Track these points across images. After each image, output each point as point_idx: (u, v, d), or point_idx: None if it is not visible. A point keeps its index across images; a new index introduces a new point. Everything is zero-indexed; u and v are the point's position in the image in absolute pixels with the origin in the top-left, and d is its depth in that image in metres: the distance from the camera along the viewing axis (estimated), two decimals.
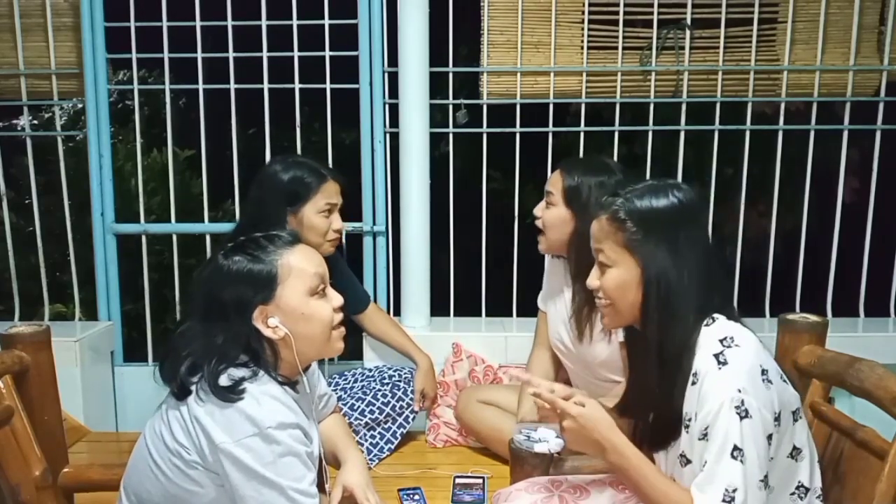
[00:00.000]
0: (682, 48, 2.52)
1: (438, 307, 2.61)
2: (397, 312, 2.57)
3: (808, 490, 1.15)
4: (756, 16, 2.50)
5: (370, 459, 2.17)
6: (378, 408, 2.20)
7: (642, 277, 1.21)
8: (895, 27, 2.50)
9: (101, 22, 2.50)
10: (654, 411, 1.25)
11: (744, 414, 1.08)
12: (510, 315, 2.66)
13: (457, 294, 2.66)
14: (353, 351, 2.54)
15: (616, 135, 2.58)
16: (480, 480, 2.01)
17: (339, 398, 2.25)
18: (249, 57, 2.54)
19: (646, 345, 1.25)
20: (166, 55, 2.56)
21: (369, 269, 2.59)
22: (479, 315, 2.65)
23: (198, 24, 2.52)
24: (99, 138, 2.54)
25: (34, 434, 1.49)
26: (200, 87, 2.57)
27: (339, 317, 1.33)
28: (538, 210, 1.90)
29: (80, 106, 2.88)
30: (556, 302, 2.02)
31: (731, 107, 2.59)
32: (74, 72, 2.57)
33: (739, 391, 1.09)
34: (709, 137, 2.59)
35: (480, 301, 2.66)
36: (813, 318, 1.62)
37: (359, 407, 2.20)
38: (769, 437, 1.10)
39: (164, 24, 2.52)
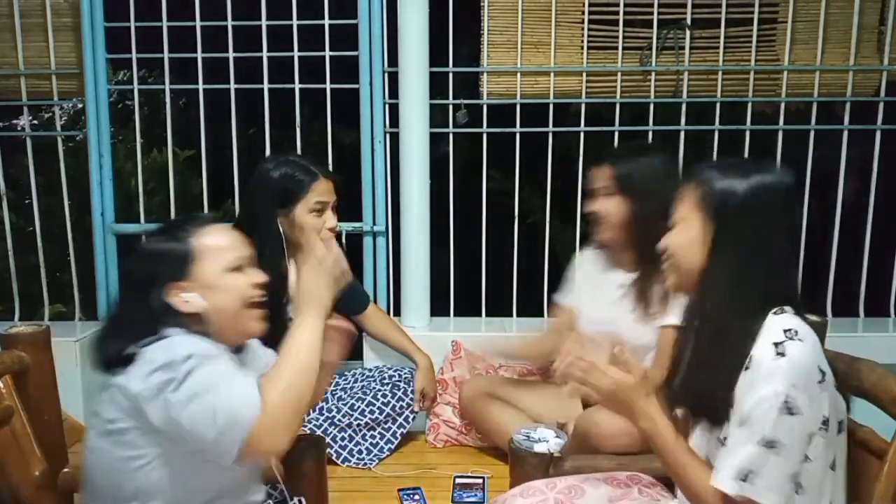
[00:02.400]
0: (682, 48, 2.52)
1: (438, 307, 2.61)
2: (397, 312, 2.58)
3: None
4: (756, 16, 2.51)
5: (370, 459, 2.17)
6: (378, 408, 2.20)
7: (712, 239, 1.19)
8: (895, 27, 2.50)
9: (101, 22, 2.50)
10: (702, 393, 1.22)
11: (789, 411, 1.05)
12: (510, 315, 2.66)
13: (457, 294, 2.66)
14: (353, 351, 2.54)
15: (616, 135, 2.58)
16: (480, 480, 2.01)
17: (339, 398, 2.26)
18: (249, 57, 2.54)
19: (703, 321, 1.22)
20: (166, 55, 2.56)
21: (369, 269, 2.59)
22: (479, 315, 2.65)
23: (198, 24, 2.52)
24: (99, 138, 2.55)
25: (34, 434, 1.48)
26: (200, 86, 2.57)
27: (257, 293, 1.33)
28: (593, 206, 1.94)
29: (80, 106, 2.88)
30: (594, 291, 2.05)
31: (731, 107, 2.59)
32: (74, 72, 2.57)
33: (793, 386, 1.06)
34: (709, 137, 2.59)
35: (480, 301, 2.66)
36: (812, 318, 1.61)
37: (359, 407, 2.20)
38: (810, 435, 1.07)
39: (164, 23, 2.53)
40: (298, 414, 1.24)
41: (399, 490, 1.97)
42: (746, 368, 1.12)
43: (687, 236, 1.23)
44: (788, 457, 1.05)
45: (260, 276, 1.35)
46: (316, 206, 2.00)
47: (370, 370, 2.37)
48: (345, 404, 2.20)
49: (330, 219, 2.03)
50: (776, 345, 1.09)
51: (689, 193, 1.23)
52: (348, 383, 2.32)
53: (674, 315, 1.71)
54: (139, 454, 1.23)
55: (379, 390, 2.23)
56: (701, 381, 1.21)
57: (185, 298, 1.28)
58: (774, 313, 1.14)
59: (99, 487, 1.30)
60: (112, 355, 1.25)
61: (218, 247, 1.32)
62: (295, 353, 1.25)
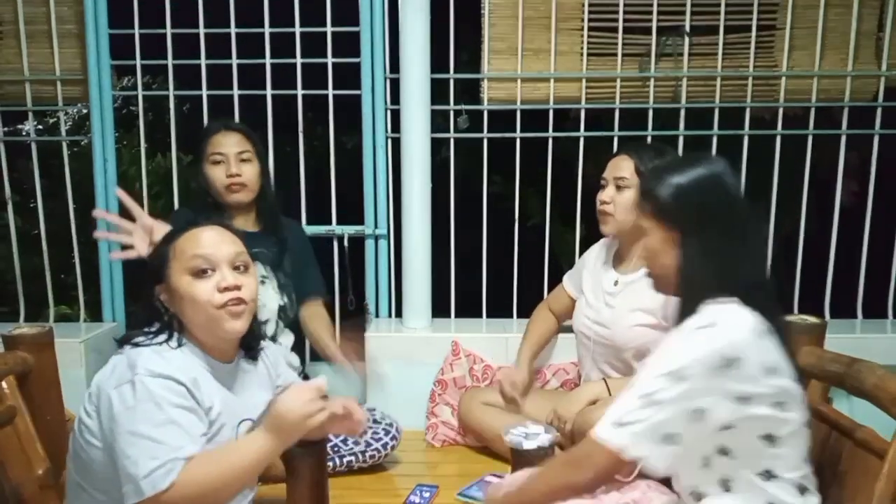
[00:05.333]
0: (681, 54, 2.54)
1: (439, 309, 2.62)
2: (399, 314, 2.59)
3: (775, 477, 1.19)
4: (755, 22, 2.52)
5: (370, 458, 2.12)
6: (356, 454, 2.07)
7: (673, 242, 1.26)
8: (893, 33, 2.51)
9: (106, 29, 2.52)
10: None
11: (676, 377, 1.14)
12: (510, 316, 2.67)
13: (458, 296, 2.67)
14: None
15: (615, 140, 2.59)
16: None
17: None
18: (253, 64, 2.56)
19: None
20: (170, 62, 2.58)
21: (371, 272, 2.61)
22: (480, 317, 2.66)
23: (201, 31, 2.54)
24: (103, 143, 2.57)
25: (37, 434, 1.50)
26: (204, 93, 2.60)
27: (224, 297, 1.31)
28: (607, 196, 1.95)
29: (84, 111, 2.90)
30: (595, 283, 2.07)
31: (730, 112, 2.60)
32: (79, 78, 2.59)
33: (678, 358, 1.15)
34: (707, 142, 2.60)
35: (481, 303, 2.67)
36: (812, 319, 1.63)
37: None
38: (699, 409, 1.14)
39: (168, 31, 2.55)
40: None
41: (417, 485, 1.97)
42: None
43: (649, 245, 1.31)
44: (658, 413, 1.13)
45: (227, 280, 1.32)
46: (216, 159, 2.06)
47: None
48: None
49: (233, 167, 2.04)
50: (694, 328, 1.18)
51: (641, 205, 1.31)
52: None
53: None
54: (94, 436, 1.28)
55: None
56: None
57: (162, 302, 1.33)
58: (710, 303, 1.21)
59: (72, 461, 1.35)
60: (127, 336, 1.33)
61: (181, 250, 1.32)
62: (234, 463, 1.23)
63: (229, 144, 2.07)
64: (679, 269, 1.26)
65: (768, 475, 1.19)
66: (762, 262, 1.31)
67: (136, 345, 1.30)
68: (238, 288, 1.33)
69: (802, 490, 1.22)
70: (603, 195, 1.97)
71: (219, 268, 1.32)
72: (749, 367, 1.15)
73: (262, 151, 2.15)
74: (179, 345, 1.33)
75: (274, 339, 2.09)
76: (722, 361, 1.14)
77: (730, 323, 1.18)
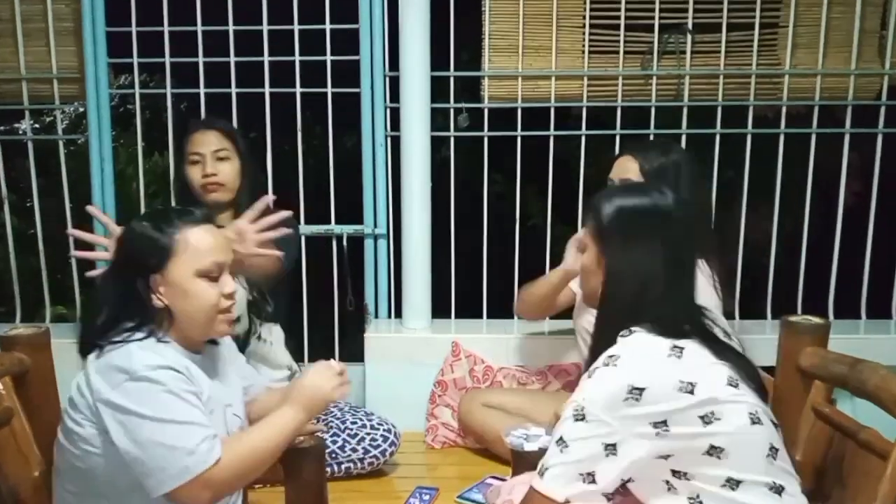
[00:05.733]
0: (684, 52, 2.52)
1: (439, 310, 2.60)
2: (399, 314, 2.57)
3: (739, 483, 1.18)
4: (757, 20, 2.51)
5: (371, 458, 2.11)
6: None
7: (599, 266, 1.30)
8: None
9: (103, 27, 2.50)
10: None
11: (579, 418, 1.18)
12: (511, 317, 2.66)
13: (458, 296, 2.65)
14: (353, 353, 2.54)
15: (617, 138, 2.58)
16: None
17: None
18: (251, 61, 2.54)
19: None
20: (167, 59, 2.56)
21: (370, 272, 2.59)
22: (481, 317, 2.65)
23: (199, 28, 2.52)
24: (100, 142, 2.55)
25: (33, 435, 1.48)
26: (202, 91, 2.58)
27: (227, 303, 1.34)
28: None
29: (81, 110, 2.89)
30: None
31: (733, 110, 2.59)
32: (76, 76, 2.57)
33: (584, 399, 1.19)
34: (710, 141, 2.59)
35: (482, 303, 2.66)
36: (815, 319, 1.62)
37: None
38: (611, 445, 1.17)
39: (166, 28, 2.53)
40: (236, 488, 1.31)
41: (417, 487, 1.96)
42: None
43: (583, 261, 1.35)
44: (574, 457, 1.17)
45: (231, 287, 1.35)
46: (194, 159, 2.04)
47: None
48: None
49: (210, 167, 2.02)
50: (594, 369, 1.22)
51: (586, 220, 1.35)
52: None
53: None
54: (91, 450, 1.26)
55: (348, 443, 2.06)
56: None
57: (156, 294, 1.30)
58: (622, 335, 1.24)
59: (58, 461, 1.34)
60: (91, 336, 1.30)
61: (195, 248, 1.31)
62: (269, 437, 1.30)
63: (206, 143, 2.04)
64: (602, 293, 1.30)
65: (733, 483, 1.18)
66: (678, 288, 1.29)
67: (114, 342, 1.28)
68: (233, 295, 1.37)
69: (778, 490, 1.20)
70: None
71: (223, 273, 1.35)
72: (656, 390, 1.16)
73: (244, 149, 2.11)
74: (160, 340, 1.31)
75: (250, 334, 2.05)
76: (626, 393, 1.16)
77: (633, 353, 1.20)
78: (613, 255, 1.28)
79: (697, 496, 1.20)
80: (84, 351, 1.31)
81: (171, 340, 1.33)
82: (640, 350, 1.21)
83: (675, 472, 1.20)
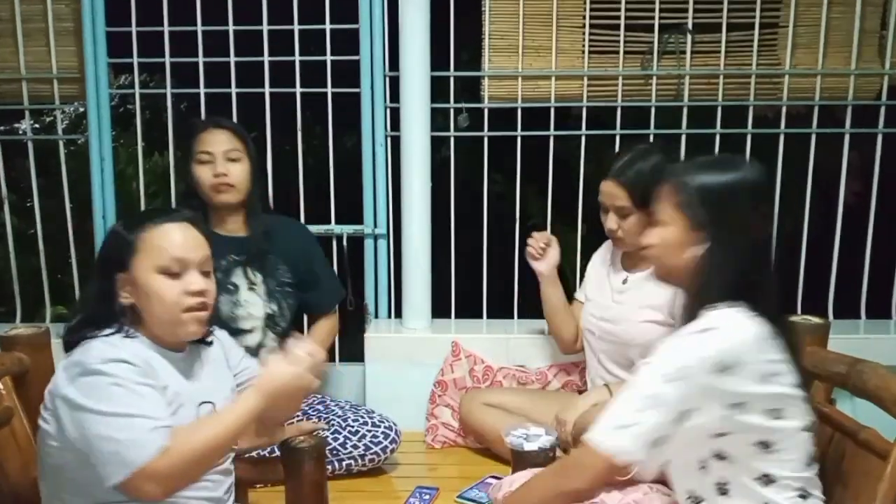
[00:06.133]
0: (684, 52, 2.52)
1: (439, 310, 2.60)
2: (399, 314, 2.57)
3: (773, 482, 1.19)
4: (757, 20, 2.50)
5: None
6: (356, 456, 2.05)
7: (695, 238, 1.26)
8: None
9: (103, 27, 2.50)
10: None
11: (667, 378, 1.15)
12: (511, 317, 2.66)
13: (458, 296, 2.65)
14: (353, 353, 2.54)
15: (617, 138, 2.58)
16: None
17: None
18: (251, 61, 2.54)
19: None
20: (167, 59, 2.56)
21: (370, 272, 2.59)
22: (481, 317, 2.65)
23: (199, 28, 2.52)
24: (100, 142, 2.55)
25: (34, 435, 1.48)
26: (202, 90, 2.58)
27: (191, 301, 1.31)
28: (613, 224, 1.92)
29: (81, 110, 2.88)
30: (601, 282, 2.09)
31: (733, 110, 2.59)
32: (76, 76, 2.57)
33: (670, 361, 1.17)
34: (710, 141, 2.59)
35: (482, 303, 2.65)
36: (815, 319, 1.62)
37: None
38: (687, 411, 1.15)
39: (166, 28, 2.53)
40: (189, 479, 1.25)
41: (417, 487, 1.96)
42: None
43: (666, 236, 1.30)
44: (659, 415, 1.14)
45: (197, 285, 1.32)
46: (202, 159, 2.02)
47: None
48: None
49: (220, 167, 2.00)
50: (696, 330, 1.19)
51: (667, 194, 1.30)
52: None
53: None
54: (56, 445, 1.26)
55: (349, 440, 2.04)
56: None
57: (122, 292, 1.31)
58: (712, 308, 1.21)
59: (44, 477, 1.32)
60: (69, 333, 1.31)
61: (156, 246, 1.30)
62: (224, 424, 1.25)
63: (217, 143, 2.02)
64: (696, 269, 1.26)
65: (766, 480, 1.19)
66: (770, 267, 1.30)
67: (85, 338, 1.29)
68: (204, 294, 1.33)
69: (804, 495, 1.20)
70: (609, 223, 1.94)
71: (188, 270, 1.32)
72: (744, 373, 1.15)
73: (253, 151, 2.09)
74: (128, 336, 1.31)
75: (260, 347, 2.05)
76: (718, 366, 1.14)
77: (730, 328, 1.18)
78: (719, 232, 1.24)
79: (726, 483, 1.20)
80: (66, 348, 1.31)
81: (139, 335, 1.32)
82: (736, 326, 1.18)
83: (718, 454, 1.19)
